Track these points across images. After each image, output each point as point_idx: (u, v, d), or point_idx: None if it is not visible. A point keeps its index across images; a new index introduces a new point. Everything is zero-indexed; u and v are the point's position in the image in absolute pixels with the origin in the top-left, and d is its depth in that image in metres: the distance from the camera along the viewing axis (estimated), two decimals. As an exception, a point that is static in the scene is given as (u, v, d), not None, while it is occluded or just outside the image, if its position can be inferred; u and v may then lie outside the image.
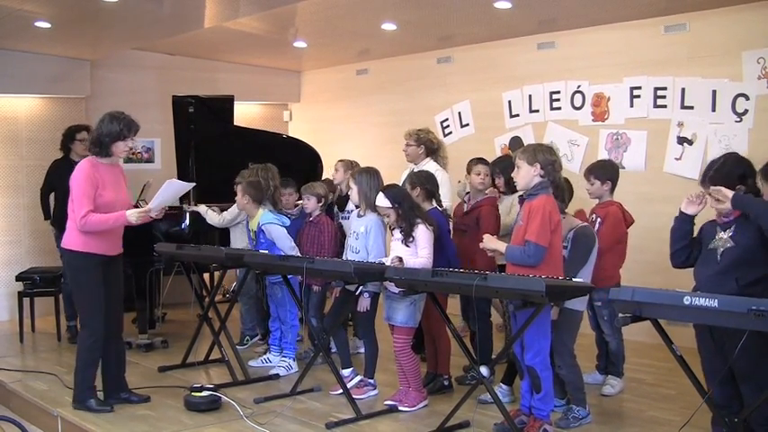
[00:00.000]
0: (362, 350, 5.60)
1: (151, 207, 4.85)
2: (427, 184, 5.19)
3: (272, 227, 5.77)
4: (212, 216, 6.59)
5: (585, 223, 4.71)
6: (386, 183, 5.14)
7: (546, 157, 4.22)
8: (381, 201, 4.84)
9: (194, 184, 5.73)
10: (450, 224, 5.50)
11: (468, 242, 5.26)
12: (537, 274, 3.93)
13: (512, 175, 4.42)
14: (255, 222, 5.88)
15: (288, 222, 5.91)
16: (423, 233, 4.76)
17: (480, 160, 5.63)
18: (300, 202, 6.18)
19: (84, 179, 4.66)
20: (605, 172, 5.23)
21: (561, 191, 4.41)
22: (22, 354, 6.68)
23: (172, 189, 5.03)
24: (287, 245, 5.72)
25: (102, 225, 4.68)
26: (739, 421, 3.31)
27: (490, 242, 4.36)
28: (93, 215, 4.65)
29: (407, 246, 4.76)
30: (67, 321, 7.01)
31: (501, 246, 4.28)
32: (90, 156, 4.82)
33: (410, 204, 4.84)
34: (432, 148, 6.09)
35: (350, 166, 6.26)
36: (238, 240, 6.49)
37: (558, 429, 4.42)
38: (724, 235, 3.62)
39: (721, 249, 3.60)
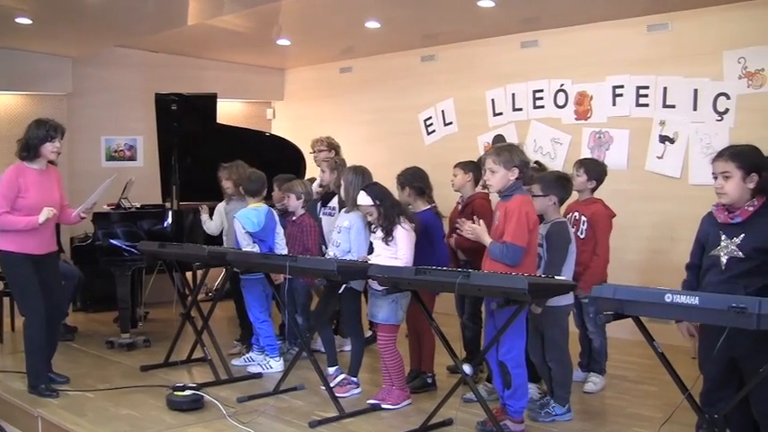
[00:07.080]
0: (347, 348, 5.59)
1: (88, 204, 5.41)
2: (415, 181, 5.18)
3: (236, 221, 5.78)
4: (210, 225, 6.52)
5: (561, 219, 4.71)
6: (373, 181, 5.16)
7: (521, 158, 4.25)
8: (363, 199, 4.84)
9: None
10: (446, 225, 5.43)
11: (468, 241, 5.20)
12: (514, 272, 3.95)
13: (485, 178, 4.41)
14: None
15: (262, 225, 5.78)
16: (401, 234, 4.75)
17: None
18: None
19: (6, 183, 5.05)
20: (595, 170, 5.26)
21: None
22: (2, 354, 6.60)
23: (104, 187, 5.56)
24: (243, 243, 5.70)
25: (13, 226, 5.02)
26: (719, 417, 3.33)
27: (478, 228, 4.30)
28: (7, 215, 5.00)
29: (387, 244, 4.77)
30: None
31: (487, 239, 4.28)
32: (18, 161, 5.12)
33: (391, 202, 4.83)
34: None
35: (334, 165, 6.22)
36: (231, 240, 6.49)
37: (528, 423, 4.43)
38: (730, 244, 3.39)
39: (726, 258, 3.40)
